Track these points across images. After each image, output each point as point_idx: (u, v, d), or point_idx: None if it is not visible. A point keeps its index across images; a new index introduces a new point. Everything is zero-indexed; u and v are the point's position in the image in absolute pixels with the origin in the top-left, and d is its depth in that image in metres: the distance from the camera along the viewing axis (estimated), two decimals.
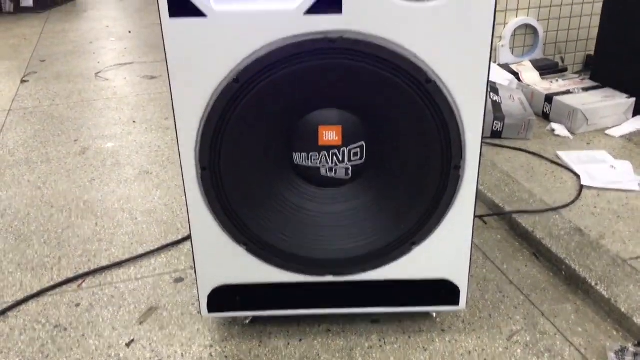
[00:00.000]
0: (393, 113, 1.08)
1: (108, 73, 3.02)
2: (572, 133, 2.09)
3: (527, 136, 2.06)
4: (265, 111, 1.07)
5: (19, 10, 4.23)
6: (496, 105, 2.09)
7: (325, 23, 1.00)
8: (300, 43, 1.01)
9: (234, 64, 1.02)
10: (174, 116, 1.05)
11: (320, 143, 1.14)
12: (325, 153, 1.14)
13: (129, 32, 3.77)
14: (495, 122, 2.05)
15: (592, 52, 2.60)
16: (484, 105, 1.06)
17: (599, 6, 2.49)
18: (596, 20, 2.56)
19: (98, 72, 3.02)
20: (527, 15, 2.53)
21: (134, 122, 2.40)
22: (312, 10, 0.99)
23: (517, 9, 2.50)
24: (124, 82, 2.87)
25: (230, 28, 1.00)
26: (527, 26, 2.54)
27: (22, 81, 2.93)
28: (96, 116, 2.48)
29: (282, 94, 1.05)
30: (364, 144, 1.13)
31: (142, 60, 3.20)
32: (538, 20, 2.54)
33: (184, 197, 1.77)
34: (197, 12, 0.99)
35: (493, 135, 2.06)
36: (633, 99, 2.14)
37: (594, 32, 2.60)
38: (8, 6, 4.23)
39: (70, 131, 2.34)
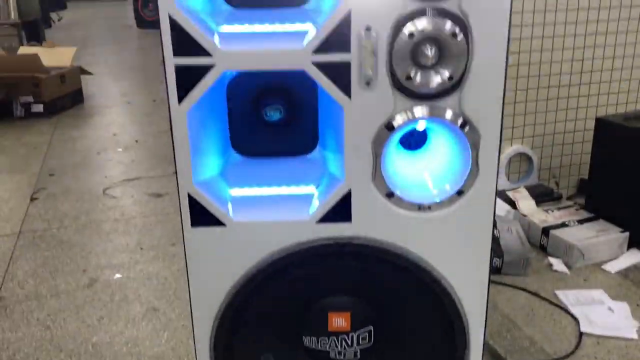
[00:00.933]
0: (400, 306, 1.13)
1: (116, 189, 3.10)
2: (569, 268, 2.15)
3: (525, 272, 2.11)
4: (279, 305, 1.13)
5: (29, 115, 4.37)
6: (495, 240, 2.16)
7: (336, 230, 1.07)
8: (312, 247, 1.08)
9: (249, 264, 1.09)
10: (191, 310, 1.10)
11: (330, 329, 1.19)
12: (335, 338, 1.19)
13: (136, 141, 3.88)
14: (494, 258, 2.11)
15: (586, 176, 2.69)
16: (486, 301, 1.12)
17: (590, 133, 2.60)
18: (588, 147, 2.67)
19: (106, 189, 3.10)
20: (522, 144, 2.63)
21: (141, 248, 2.46)
22: (323, 220, 1.07)
23: (512, 138, 2.61)
24: (131, 201, 2.94)
25: (247, 235, 1.07)
26: (522, 154, 2.65)
27: (32, 199, 3.00)
28: (104, 241, 2.54)
29: (294, 290, 1.12)
30: (372, 329, 1.18)
31: (149, 174, 3.29)
32: (532, 149, 2.65)
33: (191, 341, 1.80)
34: (217, 222, 1.06)
35: (492, 271, 2.11)
36: (627, 234, 2.21)
37: (587, 157, 2.70)
38: (19, 111, 4.38)
39: (79, 259, 2.39)
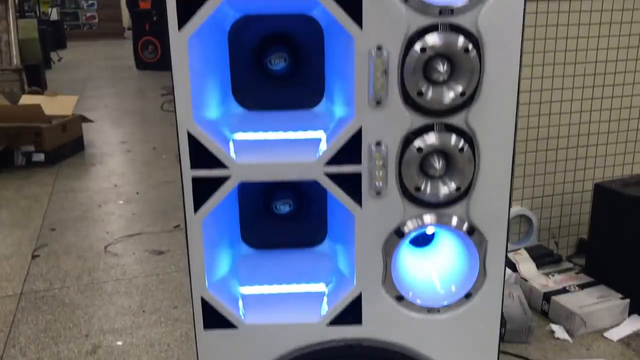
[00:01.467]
0: None
1: (117, 246, 3.11)
2: (571, 335, 2.16)
3: (528, 340, 2.12)
4: None
5: (30, 164, 4.39)
6: None
7: (346, 332, 1.09)
8: (323, 349, 1.09)
9: None
10: None
11: None
12: None
13: (137, 193, 3.90)
14: None
15: (585, 235, 2.72)
16: None
17: (589, 194, 2.63)
18: (587, 207, 2.70)
19: (107, 245, 3.11)
20: (521, 206, 2.67)
21: (143, 311, 2.46)
22: (334, 322, 1.08)
23: (511, 200, 2.64)
24: (133, 259, 2.95)
25: (259, 337, 1.09)
26: (522, 215, 2.67)
27: (33, 256, 3.01)
28: (106, 303, 2.54)
29: None
30: None
31: (150, 229, 3.31)
32: (532, 209, 2.68)
33: None
34: (229, 325, 1.08)
35: None
36: (628, 300, 2.23)
37: (585, 217, 2.73)
38: (20, 160, 4.40)
39: (82, 322, 2.39)
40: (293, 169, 1.02)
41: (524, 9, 0.95)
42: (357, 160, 1.01)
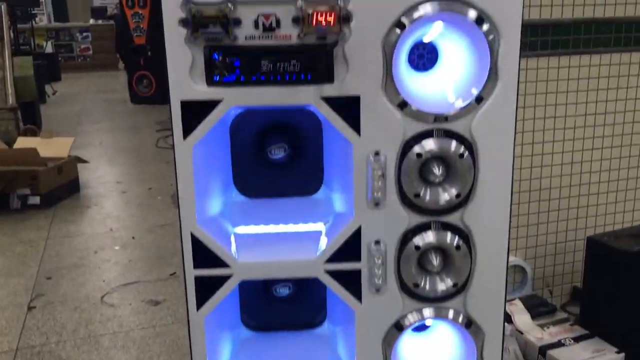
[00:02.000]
0: None
1: (113, 296, 3.11)
2: None
3: None
4: None
5: (26, 207, 4.39)
6: None
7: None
8: None
9: None
10: None
11: None
12: None
13: (133, 237, 3.91)
14: None
15: (579, 284, 2.75)
16: None
17: (582, 243, 2.66)
18: (580, 255, 2.74)
19: (104, 295, 3.11)
20: (515, 256, 2.69)
21: None
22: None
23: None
24: (129, 310, 2.95)
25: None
26: (516, 265, 2.70)
27: (29, 307, 3.00)
28: (103, 358, 2.53)
29: None
30: None
31: (146, 277, 3.31)
32: (525, 259, 2.71)
33: None
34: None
35: None
36: (622, 354, 2.24)
37: (579, 265, 2.76)
38: (16, 203, 4.41)
39: None
40: (294, 266, 1.04)
41: (516, 113, 0.99)
42: (357, 257, 1.04)
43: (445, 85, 1.02)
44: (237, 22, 0.93)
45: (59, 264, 3.53)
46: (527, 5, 2.43)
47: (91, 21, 13.17)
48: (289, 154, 1.21)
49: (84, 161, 5.04)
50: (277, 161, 1.22)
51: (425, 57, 1.08)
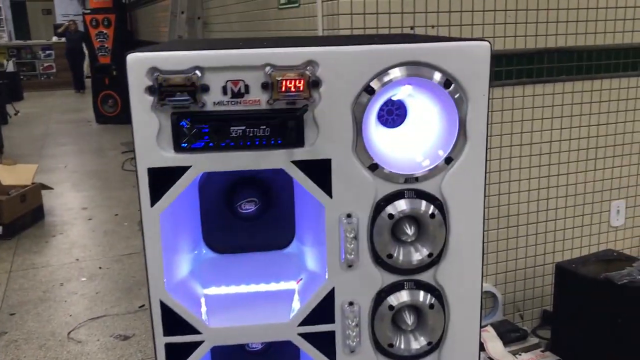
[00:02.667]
0: None
1: (80, 331, 3.03)
2: None
3: None
4: None
5: None
6: None
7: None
8: None
9: None
10: None
11: None
12: None
13: (99, 267, 3.83)
14: None
15: (549, 307, 2.78)
16: None
17: (551, 267, 2.70)
18: (549, 279, 2.77)
19: (70, 331, 3.03)
20: (486, 282, 2.71)
21: None
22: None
23: None
24: (97, 346, 2.88)
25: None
26: (487, 292, 2.72)
27: None
28: None
29: None
30: None
31: (114, 310, 3.24)
32: (496, 285, 2.73)
33: None
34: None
35: None
36: None
37: (548, 289, 2.80)
38: None
39: None
40: (266, 330, 1.03)
41: (485, 171, 1.00)
42: (331, 319, 1.02)
43: (414, 145, 1.02)
44: (205, 88, 0.92)
45: (22, 298, 3.44)
46: (492, 37, 2.47)
47: (54, 39, 12.94)
48: (259, 207, 1.20)
49: (49, 188, 4.93)
50: (248, 215, 1.20)
51: (394, 112, 1.08)
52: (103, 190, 5.66)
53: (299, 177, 0.96)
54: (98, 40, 8.71)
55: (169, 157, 0.93)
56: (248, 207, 1.20)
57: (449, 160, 0.98)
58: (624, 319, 2.27)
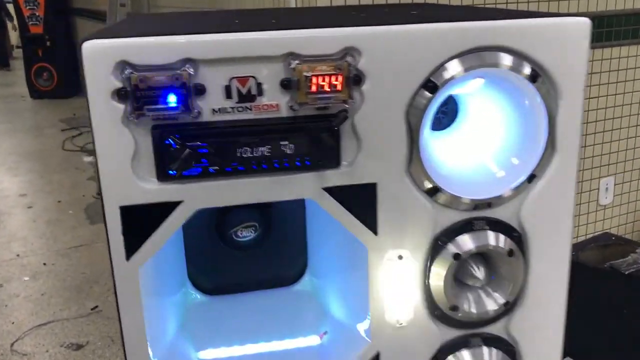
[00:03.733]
0: None
1: (25, 341, 2.70)
2: None
3: None
4: None
5: None
6: None
7: None
8: None
9: None
10: None
11: None
12: None
13: (44, 264, 3.47)
14: None
15: None
16: None
17: None
18: None
19: (14, 342, 2.69)
20: None
21: None
22: None
23: None
24: (46, 359, 2.56)
25: None
26: None
27: None
28: None
29: None
30: None
31: (63, 314, 2.91)
32: None
33: None
34: None
35: None
36: None
37: None
38: None
39: None
40: None
41: (574, 192, 0.75)
42: None
43: (477, 155, 0.77)
44: (200, 89, 0.63)
45: None
46: None
47: None
48: (260, 234, 0.93)
49: None
50: (245, 244, 0.93)
51: (440, 109, 0.82)
52: (43, 174, 5.20)
53: (334, 210, 0.69)
54: (28, 7, 8.05)
55: (151, 190, 0.64)
56: (246, 234, 0.92)
57: (531, 177, 0.72)
58: (630, 309, 2.12)
